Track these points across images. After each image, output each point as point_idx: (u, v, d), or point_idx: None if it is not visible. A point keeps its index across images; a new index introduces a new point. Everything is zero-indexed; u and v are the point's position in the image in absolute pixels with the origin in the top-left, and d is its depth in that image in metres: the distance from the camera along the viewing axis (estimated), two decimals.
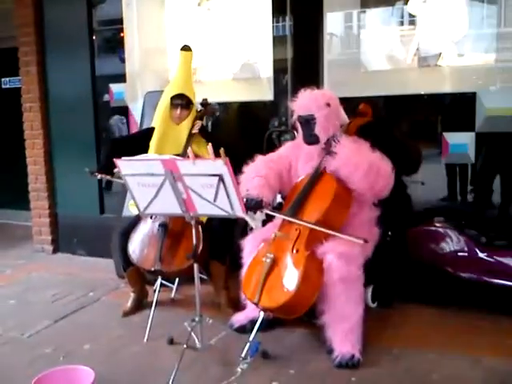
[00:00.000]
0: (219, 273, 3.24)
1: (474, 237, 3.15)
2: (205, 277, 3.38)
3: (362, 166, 2.70)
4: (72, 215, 4.61)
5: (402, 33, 3.59)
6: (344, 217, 2.77)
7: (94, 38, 4.43)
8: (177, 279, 3.49)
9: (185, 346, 2.45)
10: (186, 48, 3.40)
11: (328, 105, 2.86)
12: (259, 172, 2.92)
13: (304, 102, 2.90)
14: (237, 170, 3.01)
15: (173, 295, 3.51)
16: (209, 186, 2.23)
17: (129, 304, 3.31)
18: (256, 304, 2.66)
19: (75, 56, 4.41)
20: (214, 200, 2.27)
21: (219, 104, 4.07)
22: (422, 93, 3.54)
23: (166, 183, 2.29)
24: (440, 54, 3.47)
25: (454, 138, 3.42)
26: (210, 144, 2.28)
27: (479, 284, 3.03)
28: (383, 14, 3.66)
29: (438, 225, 3.26)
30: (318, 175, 2.87)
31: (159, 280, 3.16)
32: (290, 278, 2.59)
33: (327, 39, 3.71)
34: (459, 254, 3.12)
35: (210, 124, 4.22)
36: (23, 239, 5.10)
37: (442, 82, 3.51)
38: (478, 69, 3.38)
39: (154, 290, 3.17)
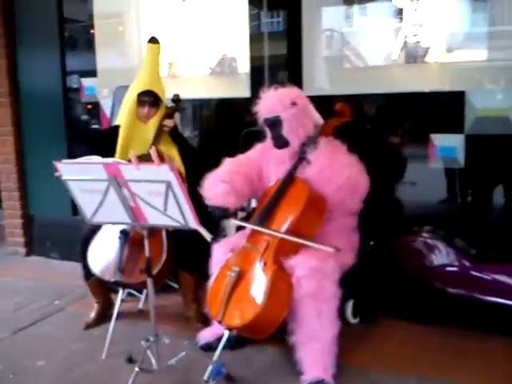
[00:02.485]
0: (188, 284, 3.02)
1: (464, 249, 2.89)
2: (176, 285, 3.17)
3: (336, 180, 2.46)
4: (45, 216, 4.39)
5: (388, 27, 3.32)
6: (317, 225, 2.52)
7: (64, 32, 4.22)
8: (144, 290, 3.25)
9: (136, 368, 2.23)
10: (153, 40, 3.16)
11: (294, 103, 2.61)
12: (224, 177, 2.68)
13: (268, 103, 2.64)
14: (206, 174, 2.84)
15: (140, 306, 3.27)
16: (157, 194, 2.00)
17: (92, 316, 3.09)
18: (219, 322, 2.43)
19: (46, 50, 4.20)
20: (165, 209, 2.04)
21: (195, 100, 3.83)
22: (408, 91, 3.27)
23: (111, 190, 2.05)
24: (428, 49, 3.20)
25: (441, 141, 3.14)
26: (153, 147, 2.04)
27: (468, 301, 2.77)
28: (369, 8, 3.39)
29: (425, 235, 3.00)
30: (289, 181, 2.61)
31: (121, 291, 2.93)
32: (256, 294, 2.35)
33: (307, 35, 3.45)
34: (448, 268, 2.86)
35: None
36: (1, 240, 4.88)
37: (429, 79, 3.23)
38: (467, 67, 3.11)
39: (111, 303, 2.96)
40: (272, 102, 2.64)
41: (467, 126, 3.10)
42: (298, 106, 2.63)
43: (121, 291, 2.92)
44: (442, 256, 2.89)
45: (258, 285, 2.37)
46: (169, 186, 1.94)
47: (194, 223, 2.05)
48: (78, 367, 2.61)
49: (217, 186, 2.66)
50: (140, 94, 3.04)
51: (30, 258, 4.51)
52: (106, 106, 4.05)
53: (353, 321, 2.97)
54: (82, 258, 2.95)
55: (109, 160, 2.14)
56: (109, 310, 3.12)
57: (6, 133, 4.37)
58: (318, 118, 2.77)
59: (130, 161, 2.45)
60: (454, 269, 2.84)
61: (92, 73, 4.20)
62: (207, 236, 2.10)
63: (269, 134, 2.74)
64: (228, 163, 2.79)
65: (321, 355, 2.36)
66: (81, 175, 2.07)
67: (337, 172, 2.47)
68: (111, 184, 2.02)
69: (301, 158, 2.60)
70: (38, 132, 4.33)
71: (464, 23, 3.16)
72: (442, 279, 2.85)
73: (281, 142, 2.67)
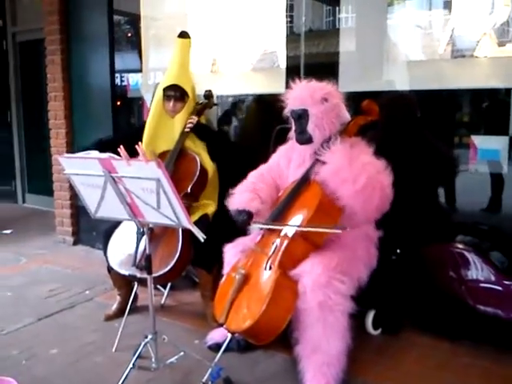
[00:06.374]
0: (205, 282, 2.99)
1: (500, 263, 2.63)
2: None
3: (355, 181, 2.25)
4: None
5: (433, 19, 3.08)
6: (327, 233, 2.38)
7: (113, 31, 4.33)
8: (168, 284, 3.27)
9: (131, 365, 2.22)
10: (183, 35, 3.14)
11: (325, 100, 2.48)
12: (247, 188, 2.62)
13: (298, 95, 2.52)
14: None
15: (163, 301, 3.29)
16: (149, 191, 1.97)
17: (113, 307, 3.14)
18: (222, 325, 2.37)
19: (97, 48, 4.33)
20: (158, 207, 2.00)
21: (234, 96, 3.80)
22: (451, 88, 3.00)
23: (108, 185, 2.05)
24: (477, 42, 2.93)
25: (483, 143, 2.87)
26: (139, 143, 2.00)
27: (501, 320, 2.52)
28: None
29: (461, 246, 2.76)
30: (303, 183, 2.49)
31: (135, 286, 2.95)
32: (257, 298, 2.26)
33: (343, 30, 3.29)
34: (481, 284, 2.62)
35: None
36: (54, 229, 5.10)
37: (477, 75, 2.95)
38: None
39: (135, 296, 2.98)
40: (302, 94, 2.52)
41: None
42: (329, 103, 2.50)
43: (136, 285, 2.94)
44: (476, 271, 2.65)
45: (261, 289, 2.29)
46: (159, 183, 1.90)
47: (186, 222, 2.00)
48: (86, 358, 2.64)
49: (241, 195, 2.60)
50: (166, 89, 3.04)
51: (76, 247, 4.68)
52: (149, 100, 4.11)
53: (374, 332, 2.80)
54: (104, 250, 2.99)
55: (104, 155, 2.14)
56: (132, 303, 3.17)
57: (59, 126, 4.55)
58: (347, 119, 2.62)
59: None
60: (488, 285, 2.60)
61: (137, 70, 4.29)
62: (200, 236, 2.04)
63: (293, 126, 2.62)
64: (251, 176, 2.73)
65: (325, 368, 2.23)
66: (81, 170, 2.08)
67: (356, 173, 2.27)
68: (107, 179, 2.01)
69: (317, 160, 2.47)
70: (88, 126, 4.46)
71: None
72: (473, 295, 2.62)
73: (303, 138, 2.55)
